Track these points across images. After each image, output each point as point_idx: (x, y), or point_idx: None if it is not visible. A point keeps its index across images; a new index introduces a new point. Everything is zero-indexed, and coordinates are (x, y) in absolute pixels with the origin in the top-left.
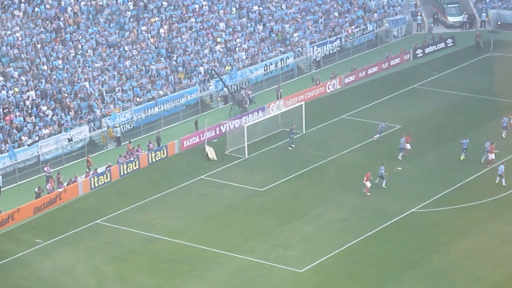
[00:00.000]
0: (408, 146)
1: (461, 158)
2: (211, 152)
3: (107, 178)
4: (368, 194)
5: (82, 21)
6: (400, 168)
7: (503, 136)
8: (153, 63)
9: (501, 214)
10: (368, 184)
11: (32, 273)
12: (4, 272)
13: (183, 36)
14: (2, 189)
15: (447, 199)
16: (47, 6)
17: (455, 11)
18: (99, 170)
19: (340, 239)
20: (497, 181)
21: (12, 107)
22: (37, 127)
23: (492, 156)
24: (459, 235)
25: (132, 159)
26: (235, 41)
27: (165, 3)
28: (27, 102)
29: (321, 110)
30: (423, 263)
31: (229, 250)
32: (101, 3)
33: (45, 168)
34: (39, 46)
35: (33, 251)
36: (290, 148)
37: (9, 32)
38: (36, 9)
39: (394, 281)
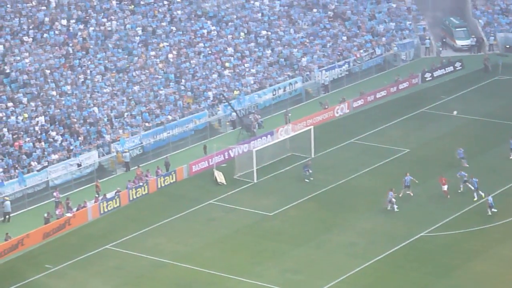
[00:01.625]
0: (445, 188)
1: (474, 200)
2: (220, 177)
3: (116, 203)
4: (388, 208)
5: (91, 46)
6: (411, 194)
7: (511, 158)
8: (161, 88)
9: (510, 238)
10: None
11: None
12: None
13: (191, 61)
14: (11, 215)
15: (456, 223)
16: (56, 32)
17: (463, 35)
18: (108, 195)
19: (349, 264)
20: (489, 213)
21: (22, 132)
22: (46, 153)
23: None
24: (468, 259)
25: (141, 184)
26: (244, 65)
27: (173, 28)
28: (36, 128)
29: (330, 134)
30: (433, 287)
31: (237, 275)
32: (109, 29)
33: (54, 194)
34: (48, 71)
35: (42, 276)
36: (307, 181)
37: (18, 58)
38: (45, 35)
39: None
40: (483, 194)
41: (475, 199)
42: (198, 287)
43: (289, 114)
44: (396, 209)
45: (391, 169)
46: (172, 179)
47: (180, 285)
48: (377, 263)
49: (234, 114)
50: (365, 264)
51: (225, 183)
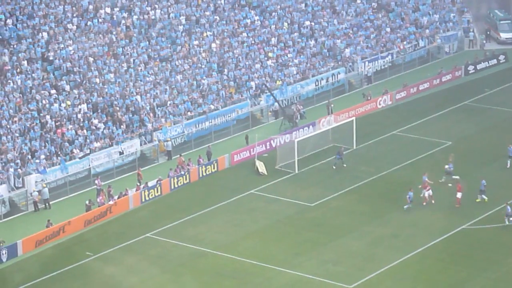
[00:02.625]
0: (459, 195)
1: (477, 200)
2: (261, 167)
3: (157, 192)
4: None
5: (134, 35)
6: (450, 185)
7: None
8: (204, 77)
9: None
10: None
11: (82, 285)
12: (54, 285)
13: (234, 51)
14: (52, 202)
15: (498, 216)
16: (100, 20)
17: (507, 28)
18: (150, 184)
19: (389, 256)
20: (507, 222)
21: (64, 120)
22: (88, 140)
23: None
24: (510, 252)
25: (182, 173)
26: (287, 56)
27: (217, 18)
28: (79, 115)
29: (372, 125)
30: (473, 281)
31: (278, 265)
32: (153, 17)
33: (96, 181)
34: (91, 59)
35: (83, 264)
36: (334, 167)
37: (62, 46)
38: (89, 23)
39: None
40: (486, 198)
41: (478, 200)
42: (239, 277)
43: (332, 105)
44: (405, 207)
45: (433, 161)
46: (214, 168)
47: (220, 275)
48: (418, 256)
49: (276, 104)
50: (406, 257)
51: (266, 173)
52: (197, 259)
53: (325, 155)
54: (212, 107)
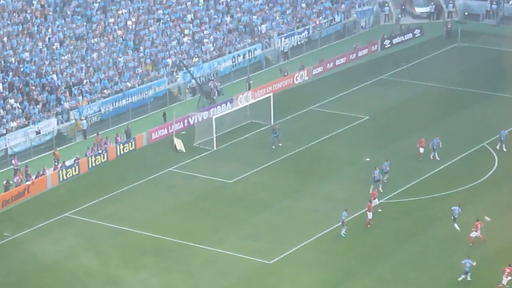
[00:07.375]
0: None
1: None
2: (179, 144)
3: (75, 171)
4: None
5: (50, 13)
6: (368, 159)
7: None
8: (120, 55)
9: (470, 203)
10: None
11: (1, 266)
12: None
13: (150, 28)
14: None
15: (416, 189)
16: None
17: (422, 2)
18: (67, 163)
19: (309, 230)
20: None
21: None
22: (4, 120)
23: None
24: (429, 224)
25: (100, 151)
26: (203, 32)
27: None
28: None
29: (290, 101)
30: (393, 254)
31: (198, 242)
32: None
33: (13, 161)
34: (5, 39)
35: (1, 244)
36: (274, 147)
37: None
38: (2, 1)
39: (363, 271)
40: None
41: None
42: (158, 254)
43: (251, 81)
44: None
45: (351, 136)
46: (132, 146)
47: (140, 252)
48: (338, 229)
49: (193, 81)
50: (325, 231)
51: (185, 151)
52: (117, 237)
53: (243, 131)
54: (129, 84)
